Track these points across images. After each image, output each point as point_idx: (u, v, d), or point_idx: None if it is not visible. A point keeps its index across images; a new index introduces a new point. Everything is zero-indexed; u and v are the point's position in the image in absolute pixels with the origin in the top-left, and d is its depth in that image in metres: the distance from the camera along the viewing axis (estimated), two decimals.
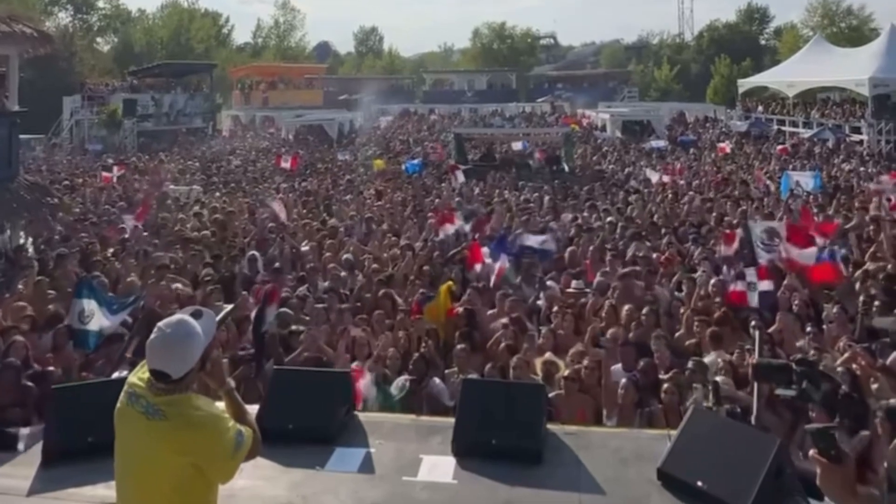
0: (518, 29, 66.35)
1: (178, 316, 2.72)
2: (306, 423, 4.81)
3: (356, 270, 9.09)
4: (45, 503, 4.03)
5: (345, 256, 9.41)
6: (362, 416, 5.32)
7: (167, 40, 58.21)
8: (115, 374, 5.35)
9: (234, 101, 49.23)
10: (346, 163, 21.44)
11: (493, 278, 8.50)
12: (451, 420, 4.98)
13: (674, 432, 4.61)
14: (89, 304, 6.97)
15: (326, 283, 8.45)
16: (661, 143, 25.74)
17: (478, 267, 8.88)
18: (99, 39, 59.79)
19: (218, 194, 15.40)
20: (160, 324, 2.65)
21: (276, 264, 9.17)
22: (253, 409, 4.68)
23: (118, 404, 2.77)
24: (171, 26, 59.72)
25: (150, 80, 37.25)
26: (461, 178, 16.60)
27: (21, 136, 14.02)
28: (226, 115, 43.41)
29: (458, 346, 6.68)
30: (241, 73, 50.96)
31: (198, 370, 2.72)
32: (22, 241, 11.14)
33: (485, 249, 9.13)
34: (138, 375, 2.74)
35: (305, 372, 5.62)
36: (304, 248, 10.14)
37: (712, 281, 8.01)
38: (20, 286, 8.24)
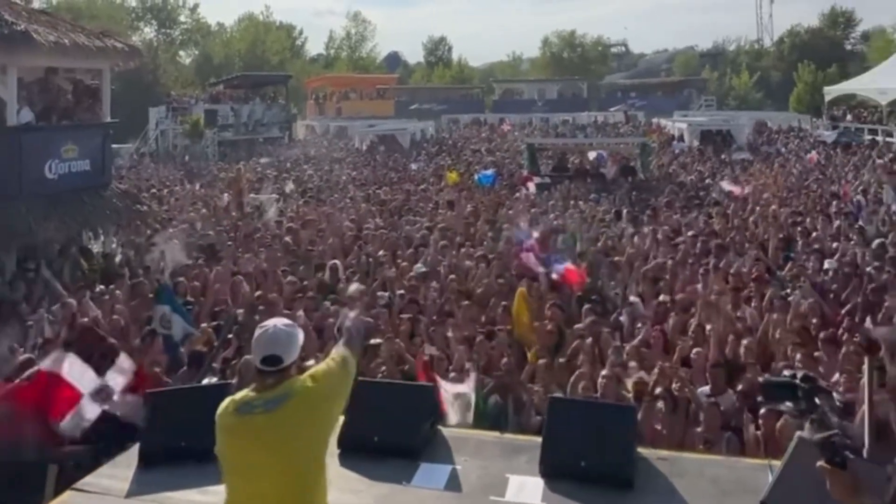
0: (588, 37, 65.80)
1: (283, 318, 3.07)
2: (391, 436, 4.79)
3: (433, 281, 9.07)
4: None
5: (421, 268, 9.41)
6: (446, 432, 5.25)
7: (244, 53, 60.29)
8: (205, 381, 5.47)
9: (309, 111, 50.47)
10: (418, 172, 21.59)
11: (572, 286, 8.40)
12: (537, 439, 4.85)
13: (776, 463, 4.36)
14: (168, 310, 7.19)
15: (402, 293, 8.44)
16: (745, 155, 24.84)
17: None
18: (181, 52, 62.68)
19: (298, 203, 15.72)
20: (266, 322, 2.94)
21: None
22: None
23: (226, 422, 2.89)
24: (247, 39, 61.83)
25: (230, 91, 38.59)
26: (532, 189, 16.46)
27: (112, 146, 14.68)
28: (301, 125, 44.53)
29: (542, 362, 6.54)
30: (315, 84, 52.21)
31: (296, 368, 2.92)
32: (114, 245, 11.65)
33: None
34: (242, 394, 2.92)
35: (389, 384, 5.60)
36: (382, 257, 10.20)
37: (808, 301, 7.60)
38: (117, 291, 8.58)
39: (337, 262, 9.31)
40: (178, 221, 12.97)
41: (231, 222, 12.64)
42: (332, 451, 4.78)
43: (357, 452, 4.76)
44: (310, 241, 11.24)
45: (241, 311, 7.61)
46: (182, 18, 62.02)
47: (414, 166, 23.16)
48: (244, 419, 2.80)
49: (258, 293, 8.58)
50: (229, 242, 11.10)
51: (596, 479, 4.43)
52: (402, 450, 4.71)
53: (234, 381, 5.87)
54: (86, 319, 7.19)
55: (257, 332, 2.86)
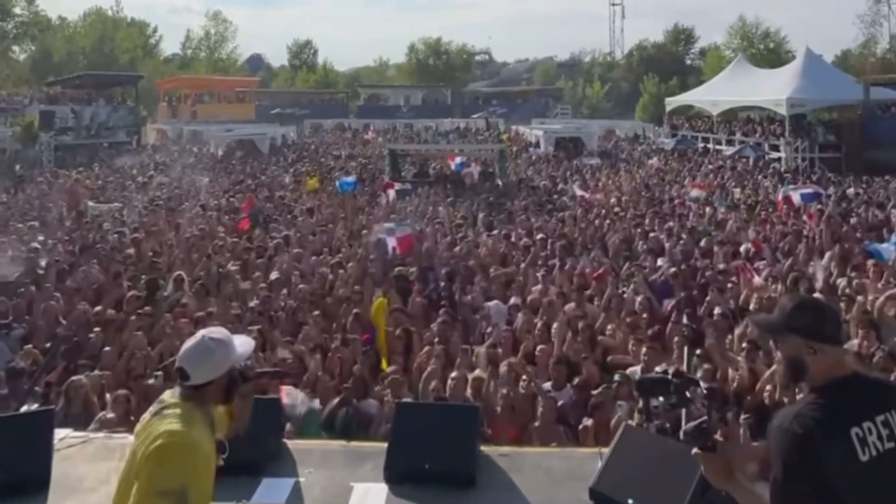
0: (454, 45, 67.10)
1: (221, 328, 2.82)
2: (232, 453, 4.63)
3: (285, 290, 8.87)
4: None
5: (274, 276, 9.17)
6: (291, 444, 5.16)
7: (90, 50, 56.14)
8: (24, 409, 5.01)
9: (161, 114, 47.88)
10: (275, 179, 20.99)
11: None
12: (383, 445, 4.89)
13: (605, 450, 4.66)
14: None
15: (255, 303, 8.19)
16: (595, 160, 26.41)
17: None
18: (15, 47, 57.17)
19: (141, 211, 14.78)
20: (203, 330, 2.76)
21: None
22: None
23: None
24: (94, 35, 57.62)
25: (70, 91, 35.81)
26: (392, 195, 16.58)
27: None
28: (151, 129, 42.05)
29: (392, 368, 6.59)
30: (169, 86, 49.63)
31: (221, 389, 2.67)
32: None
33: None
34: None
35: None
36: (232, 267, 9.83)
37: (639, 298, 8.17)
38: None
39: (182, 273, 8.85)
40: (2, 234, 11.79)
41: (67, 234, 11.65)
42: None
43: None
44: (154, 252, 10.61)
45: (63, 329, 7.05)
46: (17, 10, 56.60)
47: (273, 172, 22.53)
48: (143, 423, 2.62)
49: (97, 309, 8.00)
50: (57, 258, 10.19)
51: (439, 480, 4.53)
52: (243, 467, 4.58)
53: (58, 406, 5.44)
54: None
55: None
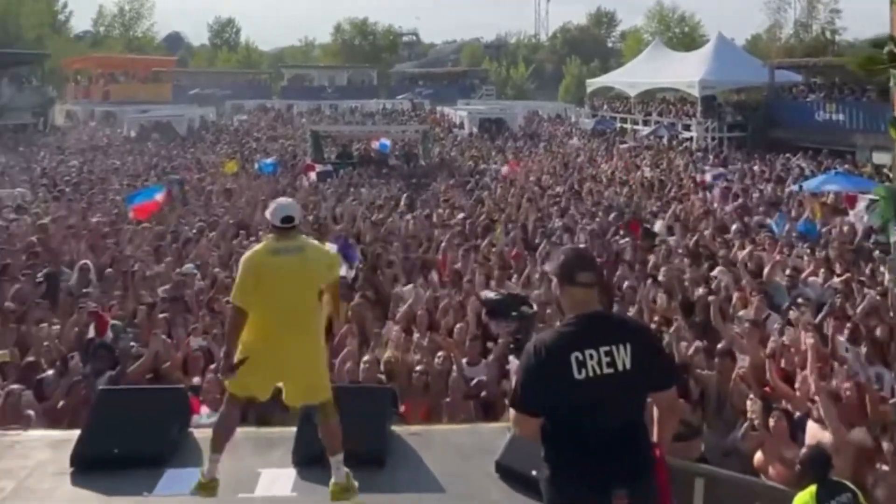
0: (380, 25, 66.38)
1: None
2: (134, 445, 4.54)
3: (200, 276, 8.63)
4: None
5: (191, 267, 8.86)
6: (198, 433, 5.07)
7: None
8: None
9: (71, 94, 45.44)
10: (196, 162, 20.27)
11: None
12: (293, 430, 4.87)
13: None
14: None
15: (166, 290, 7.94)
16: (518, 141, 26.75)
17: None
18: None
19: (47, 197, 14.00)
20: (276, 200, 4.07)
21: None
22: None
23: (264, 260, 3.84)
24: None
25: None
26: (313, 177, 16.34)
27: None
28: (60, 110, 39.83)
29: None
30: (79, 65, 47.07)
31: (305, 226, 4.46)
32: None
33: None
34: (268, 245, 3.89)
35: (134, 390, 5.27)
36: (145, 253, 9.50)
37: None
38: None
39: (87, 262, 8.45)
40: None
41: None
42: (64, 469, 4.43)
43: (94, 468, 4.45)
44: (61, 240, 10.06)
45: None
46: None
47: (190, 156, 21.77)
48: (280, 258, 3.81)
49: None
50: None
51: (350, 462, 4.57)
52: (145, 459, 4.51)
53: None
54: None
55: (272, 205, 3.93)
